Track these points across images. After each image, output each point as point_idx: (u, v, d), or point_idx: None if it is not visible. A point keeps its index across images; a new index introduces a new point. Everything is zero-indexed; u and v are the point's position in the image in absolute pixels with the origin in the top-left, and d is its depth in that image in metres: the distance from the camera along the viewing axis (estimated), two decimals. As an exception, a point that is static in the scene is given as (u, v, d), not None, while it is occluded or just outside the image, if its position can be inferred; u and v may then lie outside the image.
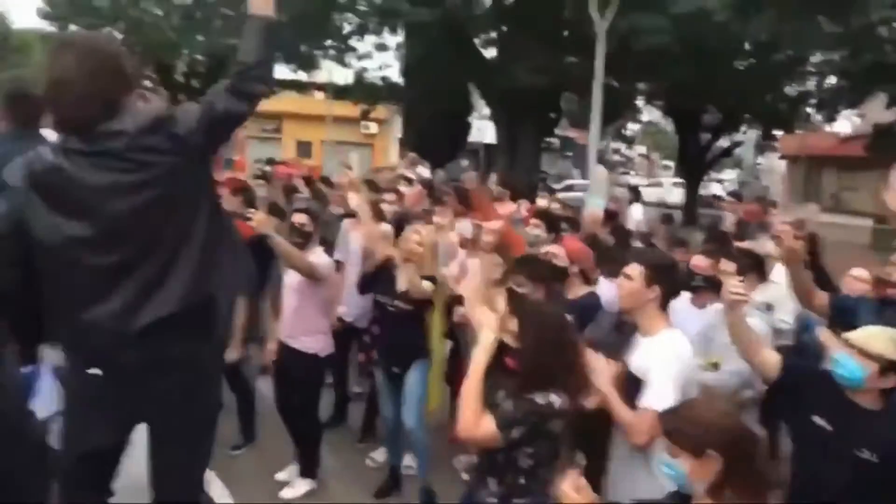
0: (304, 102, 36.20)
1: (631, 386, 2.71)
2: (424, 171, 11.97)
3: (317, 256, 4.26)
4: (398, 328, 4.17)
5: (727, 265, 2.84)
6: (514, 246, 4.90)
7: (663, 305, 2.84)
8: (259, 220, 3.94)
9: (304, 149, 35.01)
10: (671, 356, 2.67)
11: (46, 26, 27.27)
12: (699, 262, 4.09)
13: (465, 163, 29.25)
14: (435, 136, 20.54)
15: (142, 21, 26.47)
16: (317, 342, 4.28)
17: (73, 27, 25.91)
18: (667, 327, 2.81)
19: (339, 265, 5.27)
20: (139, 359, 1.90)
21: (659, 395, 2.54)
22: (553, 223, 5.71)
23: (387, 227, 5.30)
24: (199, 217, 1.96)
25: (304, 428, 4.37)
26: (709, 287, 3.85)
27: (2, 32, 32.24)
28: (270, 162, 28.65)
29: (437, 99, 19.81)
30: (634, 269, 2.82)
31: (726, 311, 2.69)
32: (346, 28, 19.83)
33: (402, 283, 4.08)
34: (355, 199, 5.31)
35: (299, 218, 4.34)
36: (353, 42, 20.65)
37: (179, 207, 1.94)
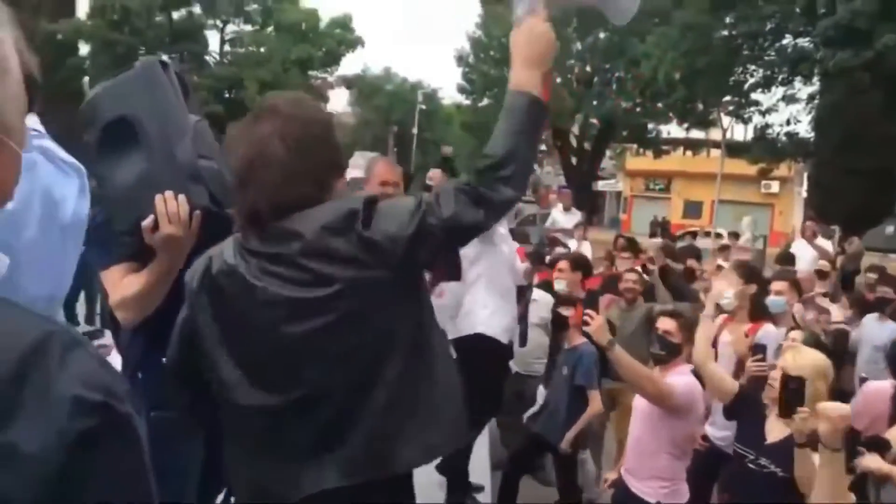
0: (695, 160, 34.75)
1: None
2: (826, 244, 9.77)
3: (680, 377, 3.30)
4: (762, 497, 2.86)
5: None
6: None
7: None
8: (597, 328, 3.15)
9: (693, 209, 33.31)
10: None
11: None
12: None
13: (890, 229, 24.43)
14: (851, 196, 17.48)
15: (543, 89, 28.51)
16: (662, 489, 3.29)
17: (485, 101, 29.31)
18: None
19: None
20: None
21: None
22: None
23: (771, 330, 4.09)
24: (391, 358, 1.41)
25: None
26: None
27: (433, 108, 37.90)
28: (654, 224, 27.98)
29: (858, 154, 16.84)
30: None
31: None
32: (750, 81, 18.21)
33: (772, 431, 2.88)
34: (724, 289, 4.16)
35: (665, 324, 3.42)
36: (755, 95, 18.89)
37: (363, 342, 1.40)
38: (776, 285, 4.86)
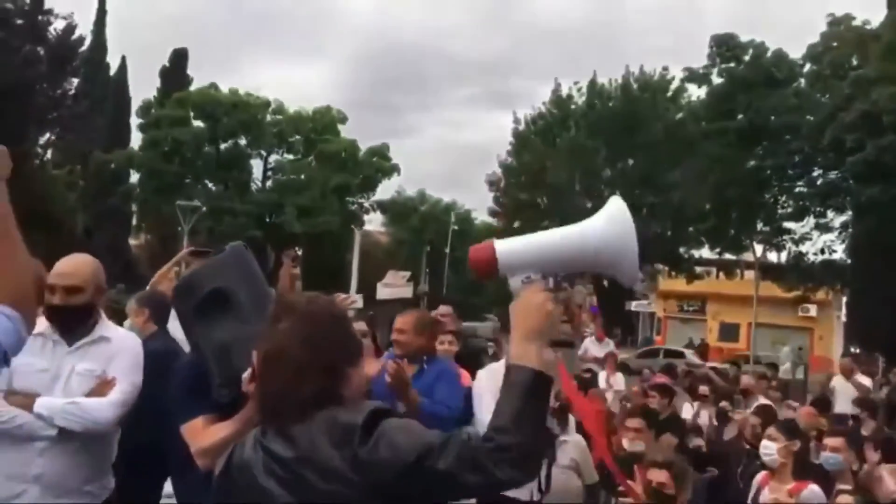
0: (729, 282, 34.53)
1: None
2: (864, 380, 9.11)
3: None
4: None
5: None
6: None
7: None
8: (638, 498, 3.10)
9: (729, 331, 32.68)
10: None
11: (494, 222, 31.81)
12: None
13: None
14: (892, 325, 17.03)
15: (570, 212, 29.10)
16: None
17: (516, 223, 29.93)
18: None
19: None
20: None
21: None
22: None
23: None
24: None
25: None
26: None
27: (465, 228, 38.62)
28: (689, 346, 27.44)
29: (891, 284, 16.60)
30: None
31: None
32: (781, 211, 18.39)
33: None
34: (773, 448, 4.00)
35: (658, 476, 3.21)
36: (788, 224, 18.99)
37: None
38: (831, 441, 4.58)
